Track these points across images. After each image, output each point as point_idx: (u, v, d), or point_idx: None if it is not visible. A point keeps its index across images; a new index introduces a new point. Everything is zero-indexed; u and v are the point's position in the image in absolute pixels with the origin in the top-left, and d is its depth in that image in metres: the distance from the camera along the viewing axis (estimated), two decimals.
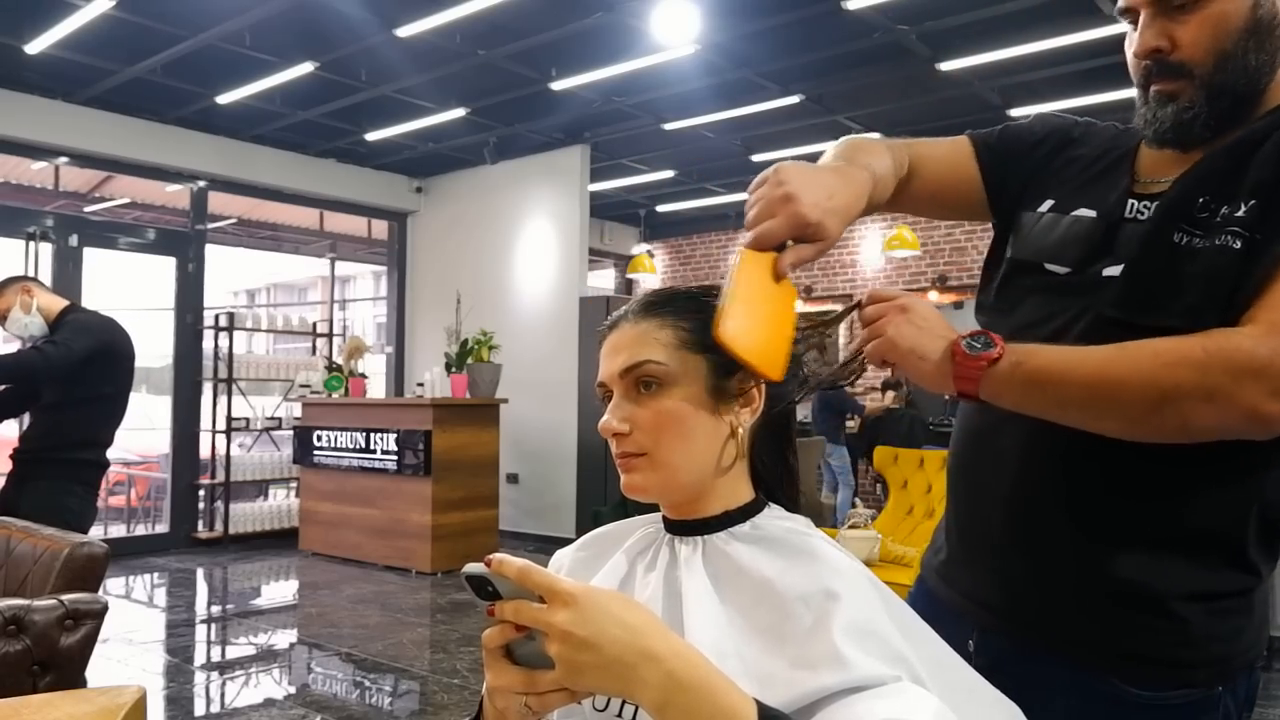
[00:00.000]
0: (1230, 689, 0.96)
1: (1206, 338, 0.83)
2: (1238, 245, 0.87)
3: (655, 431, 0.82)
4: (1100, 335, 0.92)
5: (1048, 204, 1.08)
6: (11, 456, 3.16)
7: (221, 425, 7.22)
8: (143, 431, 7.62)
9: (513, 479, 7.40)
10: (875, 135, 1.25)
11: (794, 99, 6.03)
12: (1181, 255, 0.90)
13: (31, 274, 5.99)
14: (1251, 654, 0.97)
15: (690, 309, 0.84)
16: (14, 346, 3.44)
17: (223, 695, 3.79)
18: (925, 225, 8.00)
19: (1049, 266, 1.03)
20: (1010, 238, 1.12)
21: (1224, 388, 0.81)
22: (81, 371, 3.06)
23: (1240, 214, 0.88)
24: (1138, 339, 0.87)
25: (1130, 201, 0.99)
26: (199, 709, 3.63)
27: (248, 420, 7.42)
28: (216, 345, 7.29)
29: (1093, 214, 1.02)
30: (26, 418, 3.28)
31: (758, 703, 0.64)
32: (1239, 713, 0.97)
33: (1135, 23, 0.98)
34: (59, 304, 3.26)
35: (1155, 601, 0.94)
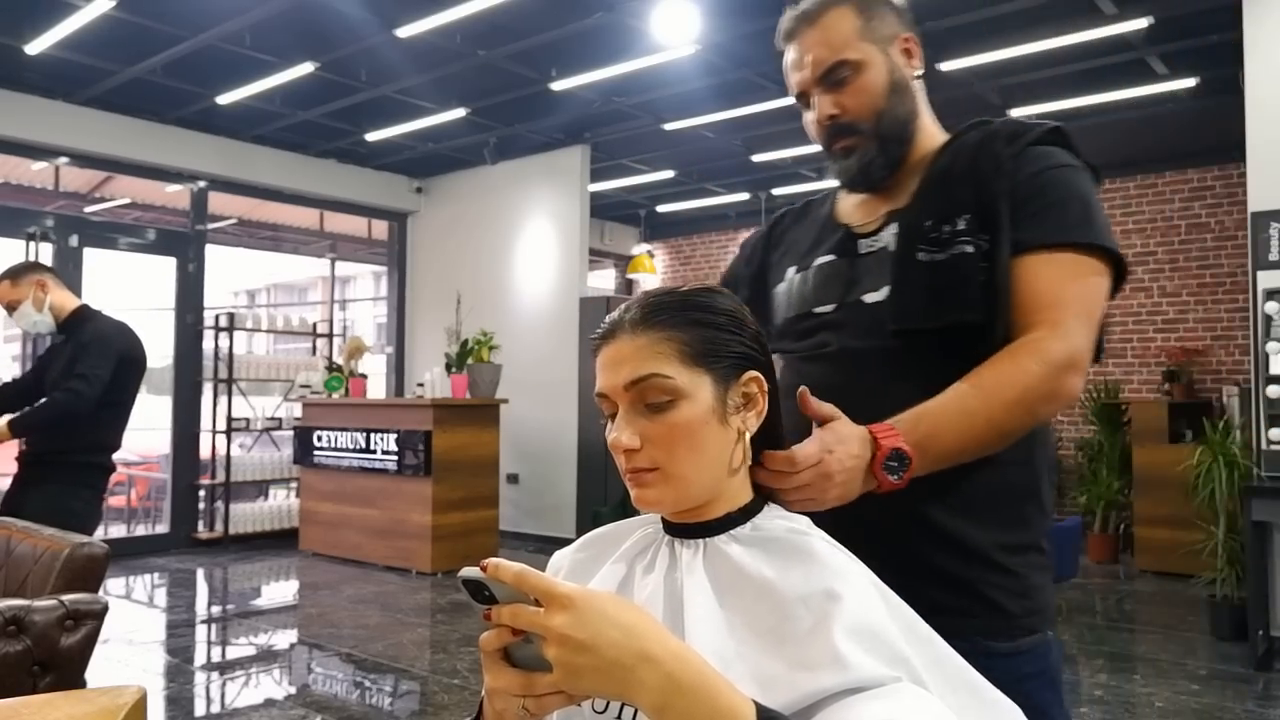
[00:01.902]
0: (1054, 633, 1.15)
1: (1029, 354, 1.05)
2: (970, 249, 1.11)
3: (668, 446, 0.82)
4: (874, 355, 1.14)
5: (790, 270, 1.31)
6: (18, 459, 3.16)
7: (221, 425, 7.22)
8: (143, 431, 7.61)
9: (513, 479, 7.40)
10: None
11: (794, 99, 6.02)
12: (931, 269, 1.13)
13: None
14: (1053, 600, 1.19)
15: (687, 320, 0.84)
16: (15, 334, 3.41)
17: (223, 695, 3.79)
18: None
19: (816, 310, 1.24)
20: (769, 312, 1.34)
21: (1058, 386, 1.05)
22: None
23: (961, 227, 1.12)
24: (913, 351, 1.11)
25: (860, 241, 1.23)
26: (199, 709, 3.63)
27: (248, 420, 7.42)
28: (216, 345, 7.30)
29: (833, 256, 1.25)
30: None
31: (756, 704, 0.64)
32: (1060, 657, 1.17)
33: (807, 104, 1.26)
34: (72, 303, 3.22)
35: (985, 558, 1.10)
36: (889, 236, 1.20)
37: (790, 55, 1.25)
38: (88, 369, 3.02)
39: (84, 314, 3.21)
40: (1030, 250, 1.11)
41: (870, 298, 1.18)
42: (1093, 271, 1.12)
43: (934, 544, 1.10)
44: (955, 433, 1.02)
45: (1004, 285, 1.09)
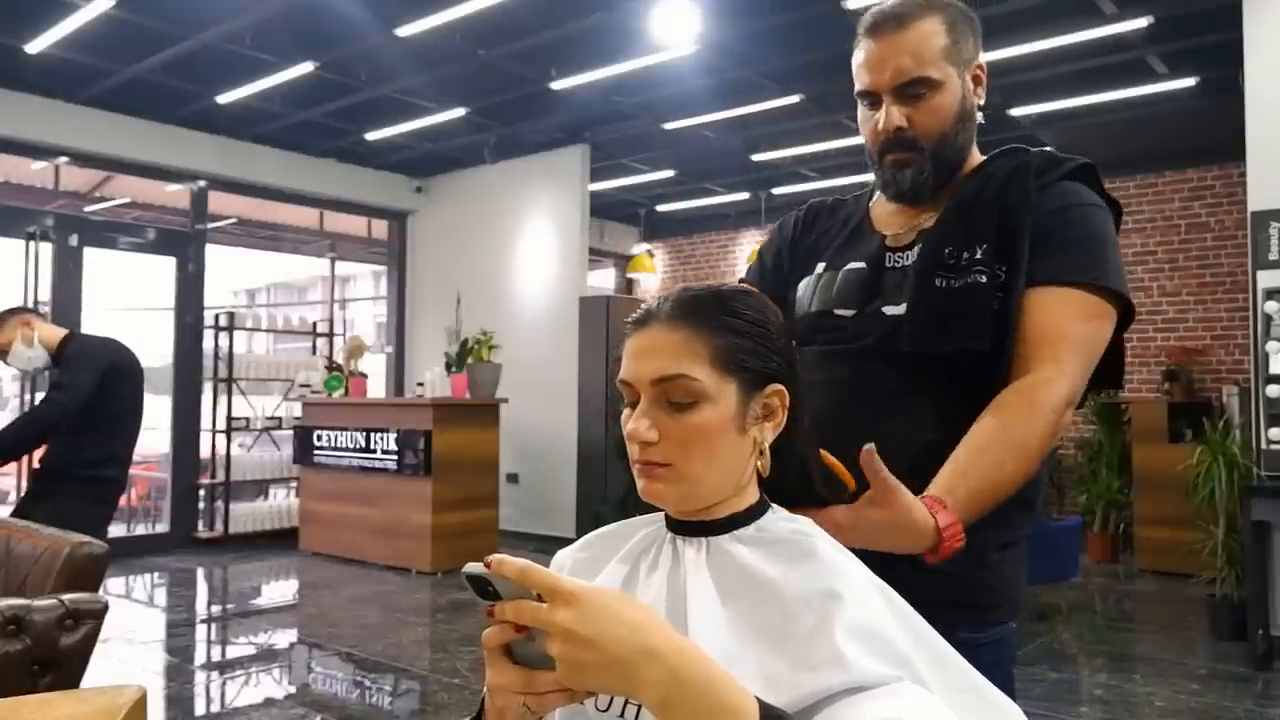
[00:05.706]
0: (1014, 622, 1.21)
1: (1043, 401, 1.08)
2: (983, 279, 1.15)
3: (684, 446, 0.82)
4: (888, 361, 1.18)
5: (820, 266, 1.33)
6: (31, 474, 3.22)
7: (221, 425, 7.22)
8: (143, 431, 7.59)
9: (513, 479, 7.40)
10: None
11: (794, 99, 6.03)
12: (946, 295, 1.17)
13: (30, 296, 6.05)
14: (1023, 589, 1.24)
15: (722, 324, 0.83)
16: (13, 374, 3.43)
17: (223, 695, 3.79)
18: None
19: (837, 312, 1.26)
20: (792, 299, 1.36)
21: (1060, 424, 1.10)
22: (90, 398, 3.08)
23: (979, 256, 1.16)
24: (924, 363, 1.15)
25: (887, 254, 1.26)
26: (199, 709, 3.63)
27: (248, 420, 7.42)
28: (216, 345, 7.30)
29: (863, 265, 1.27)
30: None
31: (759, 701, 0.64)
32: (1014, 645, 1.24)
33: (872, 104, 1.23)
34: (59, 334, 3.27)
35: (977, 556, 1.11)
36: (916, 255, 1.23)
37: (869, 51, 1.21)
38: (67, 380, 3.07)
39: (70, 339, 3.26)
40: (1042, 284, 1.14)
41: (890, 310, 1.21)
42: (1099, 312, 1.15)
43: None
44: (990, 488, 1.05)
45: (1015, 316, 1.13)
